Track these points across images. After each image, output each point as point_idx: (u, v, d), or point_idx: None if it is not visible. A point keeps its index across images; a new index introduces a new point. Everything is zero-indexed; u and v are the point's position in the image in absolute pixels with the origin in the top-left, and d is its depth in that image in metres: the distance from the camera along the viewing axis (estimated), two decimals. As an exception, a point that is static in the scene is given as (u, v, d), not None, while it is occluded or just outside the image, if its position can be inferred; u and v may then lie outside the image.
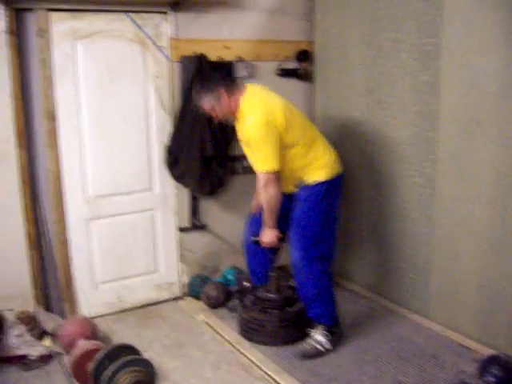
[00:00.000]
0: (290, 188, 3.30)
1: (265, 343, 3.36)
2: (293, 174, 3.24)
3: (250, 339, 3.42)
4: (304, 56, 4.27)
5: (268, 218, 3.24)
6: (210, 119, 3.75)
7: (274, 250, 3.45)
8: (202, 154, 3.76)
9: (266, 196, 3.16)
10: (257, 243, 3.39)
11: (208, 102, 3.18)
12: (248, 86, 3.24)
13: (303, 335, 3.35)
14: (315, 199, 3.20)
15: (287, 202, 3.29)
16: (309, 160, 3.20)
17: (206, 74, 3.26)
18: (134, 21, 3.64)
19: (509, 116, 2.93)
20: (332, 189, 3.26)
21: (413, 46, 3.42)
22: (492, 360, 2.84)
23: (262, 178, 3.14)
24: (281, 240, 3.36)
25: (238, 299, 3.65)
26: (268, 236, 3.29)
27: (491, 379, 2.74)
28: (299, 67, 4.24)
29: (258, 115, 3.05)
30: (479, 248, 3.21)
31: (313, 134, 3.27)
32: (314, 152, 3.21)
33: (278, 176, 3.12)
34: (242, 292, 3.70)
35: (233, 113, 3.19)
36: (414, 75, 3.45)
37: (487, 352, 3.08)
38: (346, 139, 3.94)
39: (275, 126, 3.04)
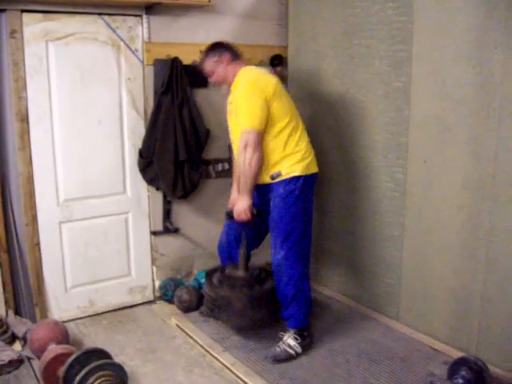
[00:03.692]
0: (266, 178, 3.25)
1: (231, 322, 3.29)
2: (271, 159, 3.19)
3: (216, 318, 3.34)
4: (278, 60, 4.30)
5: (244, 182, 3.16)
6: (182, 123, 3.76)
7: (245, 227, 3.32)
8: (175, 157, 3.76)
9: (245, 157, 3.09)
10: (230, 217, 3.34)
11: (210, 61, 3.33)
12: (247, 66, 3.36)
13: (273, 316, 3.31)
14: (293, 195, 3.18)
15: (257, 196, 3.30)
16: (289, 148, 3.19)
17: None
18: (107, 24, 3.62)
19: (479, 123, 2.97)
20: (309, 185, 3.27)
21: (385, 52, 3.46)
22: (461, 362, 2.87)
23: (244, 137, 3.09)
24: (254, 214, 3.24)
25: (205, 278, 3.52)
26: (242, 203, 3.17)
27: (460, 381, 2.77)
28: (273, 72, 4.26)
29: (249, 77, 3.21)
30: (449, 252, 3.26)
31: (298, 123, 3.28)
32: (296, 142, 3.21)
33: (260, 140, 3.11)
34: (211, 271, 3.59)
35: (229, 80, 3.32)
36: (386, 82, 3.48)
37: (457, 354, 3.12)
38: (319, 144, 3.97)
39: (263, 89, 3.12)
